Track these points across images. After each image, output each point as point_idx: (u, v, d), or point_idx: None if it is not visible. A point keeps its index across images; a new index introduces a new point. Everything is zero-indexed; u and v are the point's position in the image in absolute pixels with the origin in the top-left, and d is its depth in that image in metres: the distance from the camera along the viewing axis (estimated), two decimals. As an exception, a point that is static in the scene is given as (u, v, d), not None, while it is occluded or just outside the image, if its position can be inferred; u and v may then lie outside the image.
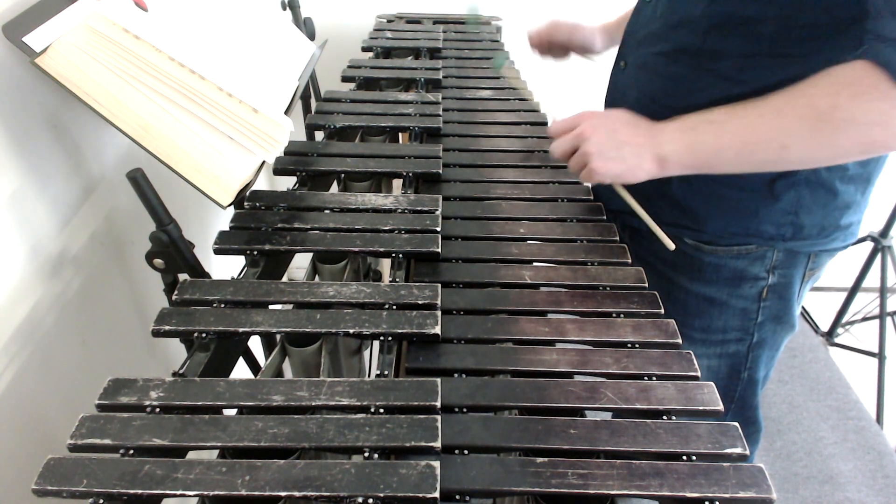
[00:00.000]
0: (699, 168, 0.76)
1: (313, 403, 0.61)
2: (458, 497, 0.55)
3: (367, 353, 1.13)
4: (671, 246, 0.82)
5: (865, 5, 0.68)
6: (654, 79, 0.89)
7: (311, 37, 1.38)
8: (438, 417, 0.59)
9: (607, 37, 1.18)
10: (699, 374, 0.68)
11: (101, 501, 0.53)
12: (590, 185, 0.84)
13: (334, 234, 0.84)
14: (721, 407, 0.64)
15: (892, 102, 0.65)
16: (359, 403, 0.61)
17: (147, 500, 0.53)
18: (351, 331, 0.69)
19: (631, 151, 0.77)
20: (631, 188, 0.86)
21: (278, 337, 0.78)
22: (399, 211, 0.89)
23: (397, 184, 1.03)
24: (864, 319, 2.17)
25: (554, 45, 1.21)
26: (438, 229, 0.86)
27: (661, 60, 0.87)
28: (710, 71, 0.82)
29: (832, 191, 0.86)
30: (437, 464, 0.55)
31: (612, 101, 1.01)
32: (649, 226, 0.84)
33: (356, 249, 0.82)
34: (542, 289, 0.79)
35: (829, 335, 2.22)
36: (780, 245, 0.89)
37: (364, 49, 1.48)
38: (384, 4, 1.78)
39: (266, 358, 0.82)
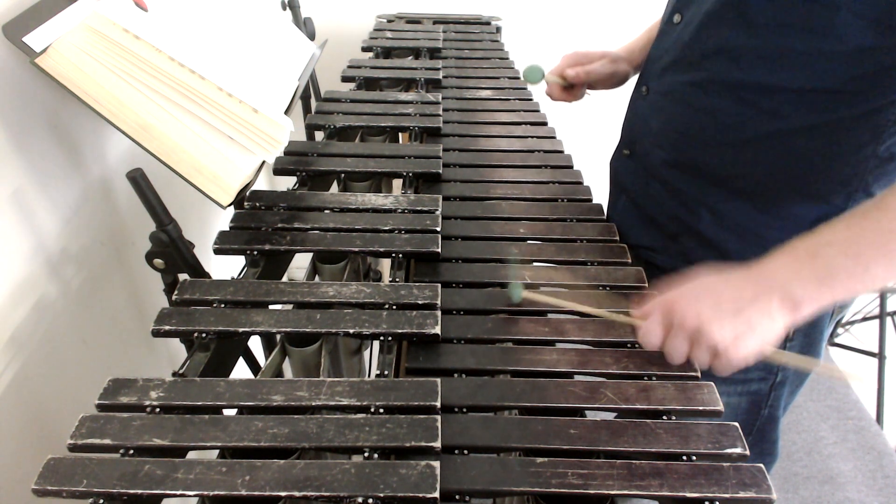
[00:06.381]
0: (841, 299, 0.63)
1: (313, 403, 0.61)
2: (458, 497, 0.55)
3: (367, 353, 1.13)
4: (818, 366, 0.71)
5: None
6: (683, 110, 0.81)
7: (311, 37, 1.38)
8: (438, 417, 0.59)
9: (633, 67, 1.01)
10: (699, 374, 0.68)
11: (101, 501, 0.53)
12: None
13: (334, 234, 0.84)
14: (721, 407, 0.64)
15: None
16: (359, 403, 0.61)
17: (147, 500, 0.53)
18: (351, 331, 0.69)
19: (754, 313, 0.62)
20: (655, 225, 0.85)
21: (278, 337, 0.78)
22: (399, 211, 0.89)
23: (397, 184, 1.03)
24: (864, 319, 2.17)
25: (584, 85, 1.01)
26: (438, 229, 0.86)
27: (693, 90, 0.79)
28: (753, 105, 0.74)
29: None
30: (437, 464, 0.55)
31: (630, 129, 0.94)
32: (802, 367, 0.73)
33: (356, 249, 0.82)
34: (543, 289, 0.79)
35: (829, 335, 2.22)
36: None
37: (364, 49, 1.48)
38: (384, 4, 1.78)
39: (266, 358, 0.82)
